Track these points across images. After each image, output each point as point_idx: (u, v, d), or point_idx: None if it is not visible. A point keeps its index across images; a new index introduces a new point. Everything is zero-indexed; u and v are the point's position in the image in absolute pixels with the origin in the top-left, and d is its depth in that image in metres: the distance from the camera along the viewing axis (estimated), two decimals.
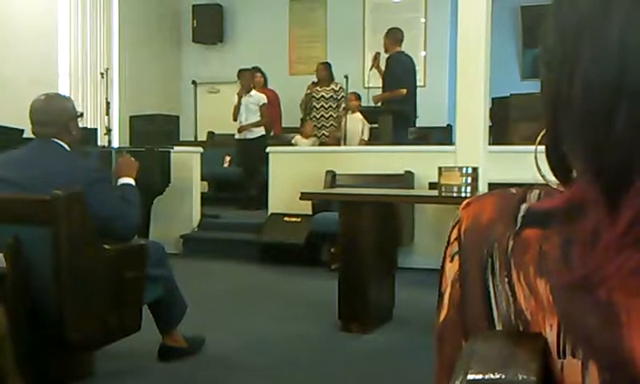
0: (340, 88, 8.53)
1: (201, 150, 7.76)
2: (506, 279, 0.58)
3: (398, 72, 7.60)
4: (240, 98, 8.37)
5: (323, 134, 8.67)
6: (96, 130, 7.97)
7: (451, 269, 0.64)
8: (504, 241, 0.58)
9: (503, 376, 0.52)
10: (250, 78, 8.52)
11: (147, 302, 3.38)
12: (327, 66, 8.81)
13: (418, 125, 7.97)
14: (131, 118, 9.01)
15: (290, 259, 6.48)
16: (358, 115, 8.12)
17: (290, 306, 4.99)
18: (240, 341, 4.06)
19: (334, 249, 5.78)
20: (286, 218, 6.75)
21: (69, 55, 9.05)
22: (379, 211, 4.42)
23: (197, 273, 6.02)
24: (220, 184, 9.53)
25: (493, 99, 6.49)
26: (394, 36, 7.74)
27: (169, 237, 6.66)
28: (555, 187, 0.58)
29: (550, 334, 0.54)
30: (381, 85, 7.92)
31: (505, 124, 6.90)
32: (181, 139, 9.01)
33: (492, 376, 0.52)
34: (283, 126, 9.47)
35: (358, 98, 8.31)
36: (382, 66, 7.93)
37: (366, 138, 8.16)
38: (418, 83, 8.01)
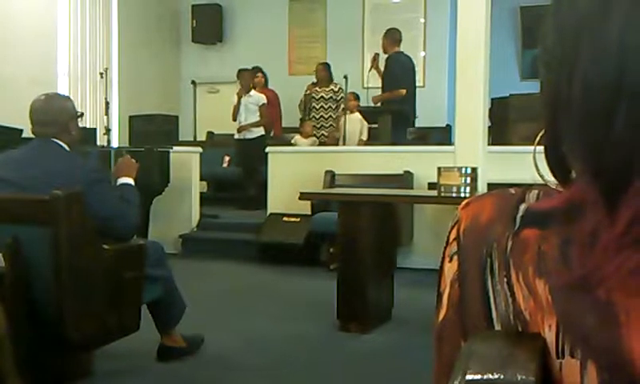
0: (339, 89, 8.53)
1: (200, 149, 7.76)
2: (505, 279, 0.58)
3: (397, 72, 7.60)
4: (239, 97, 8.36)
5: (322, 134, 8.66)
6: (95, 129, 7.96)
7: (450, 269, 0.64)
8: (503, 241, 0.58)
9: (502, 376, 0.52)
10: (250, 78, 8.52)
11: (146, 302, 3.38)
12: (326, 66, 8.81)
13: (417, 125, 7.97)
14: (130, 117, 9.01)
15: (289, 259, 6.48)
16: (357, 115, 8.12)
17: (289, 306, 4.99)
18: (239, 340, 4.06)
19: (333, 249, 5.78)
20: (285, 218, 6.75)
21: (68, 55, 9.05)
22: (378, 211, 4.43)
23: (196, 273, 6.02)
24: (219, 184, 9.53)
25: (492, 99, 6.49)
26: (393, 36, 7.74)
27: (168, 237, 6.66)
28: (554, 187, 0.58)
29: (549, 334, 0.54)
30: (380, 85, 7.93)
31: (504, 124, 6.90)
32: (180, 139, 9.01)
33: (491, 376, 0.52)
34: (283, 125, 9.47)
35: (357, 98, 8.30)
36: (381, 67, 7.93)
37: (364, 138, 8.16)
38: (417, 83, 8.02)
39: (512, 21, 10.02)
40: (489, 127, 5.38)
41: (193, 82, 10.17)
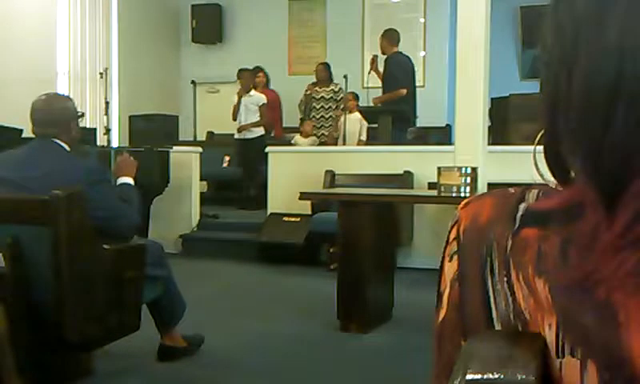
0: (340, 89, 8.53)
1: (200, 149, 7.76)
2: (505, 279, 0.58)
3: (397, 73, 7.60)
4: (240, 97, 8.36)
5: (323, 134, 8.66)
6: (95, 129, 7.96)
7: (450, 268, 0.64)
8: (503, 240, 0.58)
9: (502, 376, 0.52)
10: (250, 78, 8.51)
11: (146, 302, 3.38)
12: (326, 66, 8.81)
13: (417, 125, 7.97)
14: (130, 117, 9.00)
15: (289, 259, 6.48)
16: (357, 115, 8.11)
17: (289, 306, 4.99)
18: (239, 340, 4.06)
19: (333, 249, 5.78)
20: (286, 218, 6.75)
21: (68, 55, 9.05)
22: (378, 211, 4.43)
23: (196, 273, 6.02)
24: (219, 184, 9.53)
25: (492, 99, 6.49)
26: (390, 37, 7.74)
27: (168, 237, 6.66)
28: (554, 187, 0.58)
29: (549, 334, 0.54)
30: (380, 85, 7.93)
31: (504, 124, 6.90)
32: (180, 139, 9.01)
33: (491, 376, 0.52)
34: (283, 125, 9.47)
35: (356, 97, 8.30)
36: (380, 69, 7.93)
37: (364, 138, 8.15)
38: (417, 83, 8.02)
39: (512, 20, 10.02)
40: (489, 127, 5.38)
41: (193, 82, 10.17)
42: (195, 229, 7.47)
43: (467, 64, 4.63)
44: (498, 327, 0.59)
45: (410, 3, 9.99)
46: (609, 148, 0.49)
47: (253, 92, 8.37)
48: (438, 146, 6.99)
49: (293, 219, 6.68)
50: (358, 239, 4.24)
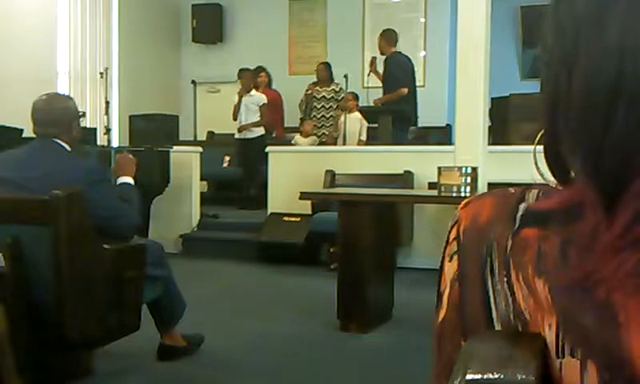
0: (340, 89, 8.53)
1: (200, 149, 7.76)
2: (505, 279, 0.58)
3: (397, 73, 7.60)
4: (240, 97, 8.36)
5: (323, 134, 8.66)
6: (95, 129, 7.96)
7: (450, 268, 0.64)
8: (503, 240, 0.58)
9: (502, 376, 0.52)
10: (250, 78, 8.51)
11: (146, 302, 3.38)
12: (327, 66, 8.81)
13: (418, 124, 7.97)
14: (130, 117, 9.01)
15: (289, 259, 6.48)
16: (357, 115, 8.11)
17: (289, 306, 4.99)
18: (239, 340, 4.06)
19: (334, 248, 5.78)
20: (286, 218, 6.75)
21: (68, 55, 9.05)
22: (378, 211, 4.43)
23: (196, 273, 6.02)
24: (219, 184, 9.53)
25: (492, 99, 6.49)
26: (389, 37, 7.74)
27: (168, 236, 6.66)
28: (554, 187, 0.58)
29: (549, 334, 0.54)
30: (380, 85, 7.92)
31: (504, 124, 6.90)
32: (180, 139, 9.01)
33: (491, 376, 0.52)
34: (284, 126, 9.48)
35: (356, 97, 8.30)
36: (379, 69, 7.93)
37: (364, 138, 8.15)
38: (417, 83, 8.02)
39: (512, 20, 10.02)
40: (489, 127, 5.38)
41: (193, 82, 10.18)
42: (195, 229, 7.47)
43: (467, 64, 4.63)
44: (497, 327, 0.59)
45: (410, 3, 9.99)
46: (609, 148, 0.49)
47: (253, 92, 8.37)
48: (438, 145, 6.99)
49: (293, 219, 6.68)
50: (358, 239, 4.24)
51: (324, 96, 8.65)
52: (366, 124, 8.14)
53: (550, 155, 0.56)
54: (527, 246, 0.57)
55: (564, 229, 0.54)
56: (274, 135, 8.96)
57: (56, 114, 3.11)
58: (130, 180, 3.42)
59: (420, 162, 6.39)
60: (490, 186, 4.35)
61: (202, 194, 7.85)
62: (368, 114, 8.05)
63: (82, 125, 3.41)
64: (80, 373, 3.31)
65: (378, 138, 7.66)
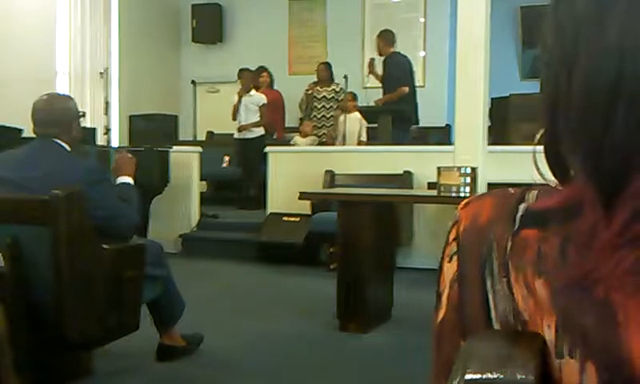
0: (341, 89, 8.53)
1: (200, 149, 7.76)
2: (505, 279, 0.58)
3: (396, 73, 7.60)
4: (240, 97, 8.36)
5: (324, 134, 8.66)
6: (95, 129, 7.96)
7: (449, 269, 0.64)
8: (502, 241, 0.58)
9: (501, 375, 0.52)
10: (250, 78, 8.51)
11: (146, 302, 3.38)
12: (328, 65, 8.80)
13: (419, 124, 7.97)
14: (130, 117, 9.01)
15: (288, 259, 6.48)
16: (356, 115, 8.11)
17: (288, 306, 4.99)
18: (239, 340, 4.06)
19: (333, 248, 5.78)
20: (285, 218, 6.75)
21: (68, 54, 9.04)
22: (378, 211, 4.43)
23: (195, 272, 6.02)
24: (219, 184, 9.53)
25: (492, 99, 6.49)
26: (386, 38, 7.74)
27: (168, 236, 6.66)
28: (554, 187, 0.58)
29: (548, 334, 0.54)
30: (380, 85, 7.92)
31: (504, 124, 6.90)
32: (180, 139, 9.01)
33: (490, 375, 0.52)
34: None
35: (355, 97, 8.30)
36: (378, 71, 7.93)
37: (364, 139, 8.15)
38: (417, 83, 8.01)
39: (512, 20, 10.02)
40: (489, 127, 5.38)
41: (193, 82, 10.18)
42: (195, 228, 7.47)
43: (467, 64, 4.63)
44: (497, 328, 0.59)
45: (410, 3, 9.99)
46: (609, 148, 0.49)
47: (253, 92, 8.37)
48: (437, 145, 6.99)
49: (292, 219, 6.68)
50: (358, 239, 4.24)
51: (324, 96, 8.65)
52: (365, 124, 8.14)
53: (551, 155, 0.56)
54: (527, 246, 0.57)
55: (563, 228, 0.54)
56: (274, 136, 8.96)
57: (56, 114, 3.11)
58: (129, 180, 3.42)
59: (419, 162, 6.39)
60: (490, 186, 4.36)
61: (201, 193, 7.86)
62: (368, 114, 8.05)
63: (82, 125, 3.40)
64: (80, 373, 3.31)
65: (378, 138, 7.66)
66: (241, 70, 8.62)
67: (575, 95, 0.51)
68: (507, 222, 0.59)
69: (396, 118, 7.43)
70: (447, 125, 8.80)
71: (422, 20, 9.96)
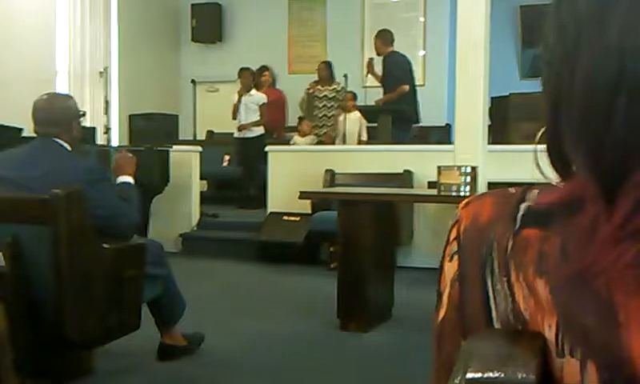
0: (342, 88, 8.52)
1: (200, 148, 7.76)
2: (505, 279, 0.58)
3: (396, 72, 7.59)
4: (240, 96, 8.36)
5: (325, 133, 8.65)
6: (95, 128, 7.96)
7: (450, 268, 0.64)
8: (503, 241, 0.59)
9: (502, 374, 0.52)
10: (250, 78, 8.51)
11: (146, 301, 3.38)
12: (328, 65, 8.80)
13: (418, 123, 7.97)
14: (130, 116, 9.00)
15: (289, 258, 6.48)
16: (356, 114, 8.11)
17: (289, 305, 4.99)
18: (239, 339, 4.06)
19: (333, 248, 5.78)
20: (285, 217, 6.75)
21: (68, 54, 9.04)
22: (378, 210, 4.43)
23: (196, 272, 6.02)
24: (219, 183, 9.53)
25: (492, 98, 6.49)
26: (384, 37, 7.73)
27: (168, 236, 6.66)
28: (555, 185, 0.58)
29: (549, 334, 0.54)
30: (379, 84, 7.92)
31: (504, 123, 6.90)
32: (180, 138, 9.01)
33: (491, 374, 0.52)
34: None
35: (354, 97, 8.30)
36: (377, 71, 7.92)
37: (364, 138, 8.15)
38: (417, 83, 8.01)
39: (512, 20, 10.01)
40: (489, 126, 5.38)
41: (192, 81, 10.17)
42: (195, 228, 7.47)
43: (467, 63, 4.63)
44: (497, 327, 0.59)
45: (409, 3, 9.99)
46: (610, 145, 0.50)
47: (253, 91, 8.37)
48: (437, 145, 6.99)
49: (293, 218, 6.68)
50: (358, 238, 4.24)
51: (325, 95, 8.64)
52: (365, 123, 8.14)
53: (552, 152, 0.57)
54: (528, 246, 0.57)
55: (564, 226, 0.54)
56: (275, 136, 8.95)
57: (57, 114, 3.11)
58: (129, 179, 3.42)
59: (420, 162, 6.39)
60: (490, 185, 4.35)
61: (201, 193, 7.85)
62: (368, 113, 8.04)
63: (82, 124, 3.40)
64: (80, 372, 3.31)
65: (378, 138, 7.66)
66: (241, 70, 8.62)
67: (577, 93, 0.52)
68: (508, 222, 0.59)
69: (396, 118, 7.43)
70: (447, 124, 8.79)
71: (422, 19, 9.95)
